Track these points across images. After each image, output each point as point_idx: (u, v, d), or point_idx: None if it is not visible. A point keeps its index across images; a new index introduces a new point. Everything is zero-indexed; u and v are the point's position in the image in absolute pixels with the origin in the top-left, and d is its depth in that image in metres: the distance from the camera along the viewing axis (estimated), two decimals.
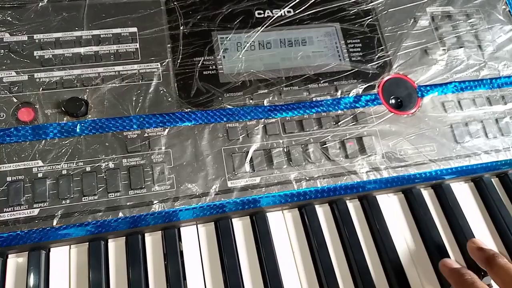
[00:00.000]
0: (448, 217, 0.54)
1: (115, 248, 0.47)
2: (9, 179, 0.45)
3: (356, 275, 0.49)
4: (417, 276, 0.50)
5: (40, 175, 0.46)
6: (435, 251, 0.51)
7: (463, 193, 0.57)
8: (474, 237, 0.52)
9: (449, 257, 0.51)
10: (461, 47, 0.61)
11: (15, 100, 0.48)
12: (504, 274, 0.43)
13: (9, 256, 0.45)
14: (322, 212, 0.53)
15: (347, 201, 0.54)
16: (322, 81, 0.55)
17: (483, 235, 0.54)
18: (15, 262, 0.45)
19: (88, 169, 0.47)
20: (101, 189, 0.46)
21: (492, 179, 0.58)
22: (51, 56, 0.50)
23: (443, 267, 0.48)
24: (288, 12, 0.58)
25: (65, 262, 0.46)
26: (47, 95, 0.49)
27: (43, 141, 0.47)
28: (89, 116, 0.49)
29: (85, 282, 0.45)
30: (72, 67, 0.50)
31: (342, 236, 0.51)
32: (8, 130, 0.47)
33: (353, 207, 0.54)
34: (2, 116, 0.47)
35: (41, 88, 0.49)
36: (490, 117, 0.58)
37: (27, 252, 0.45)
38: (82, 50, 0.51)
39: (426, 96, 0.58)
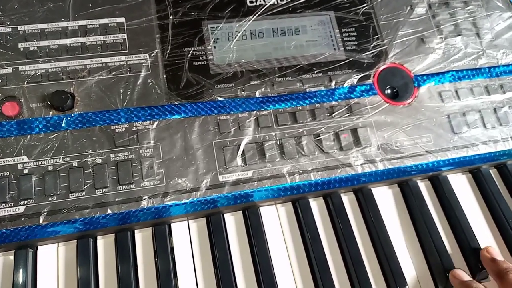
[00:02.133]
0: (445, 210, 0.53)
1: (104, 245, 0.46)
2: None
3: (351, 269, 0.48)
4: (413, 269, 0.49)
5: (25, 171, 0.45)
6: (432, 246, 0.50)
7: (461, 185, 0.56)
8: (472, 230, 0.51)
9: (447, 252, 0.50)
10: (459, 35, 0.60)
11: None
12: None
13: None
14: (316, 206, 0.51)
15: (342, 194, 0.52)
16: (315, 71, 0.54)
17: (481, 227, 0.53)
18: (1, 261, 0.44)
19: (75, 164, 0.45)
20: (88, 185, 0.45)
21: (490, 170, 0.57)
22: (36, 48, 0.49)
23: (453, 279, 0.47)
24: (281, 0, 0.56)
25: (53, 260, 0.45)
26: (32, 89, 0.47)
27: (28, 136, 0.46)
28: (76, 109, 0.47)
29: (74, 280, 0.44)
30: (58, 59, 0.49)
31: (336, 230, 0.50)
32: None
33: (348, 200, 0.53)
34: None
35: (26, 81, 0.47)
36: (488, 107, 0.57)
37: (14, 251, 0.44)
38: (68, 41, 0.50)
39: (423, 85, 0.56)
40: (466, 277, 0.47)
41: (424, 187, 0.55)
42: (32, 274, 0.44)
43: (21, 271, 0.43)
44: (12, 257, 0.44)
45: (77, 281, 0.43)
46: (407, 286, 0.47)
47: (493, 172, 0.57)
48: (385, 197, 0.53)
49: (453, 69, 0.58)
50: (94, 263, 0.45)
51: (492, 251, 0.49)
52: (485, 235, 0.53)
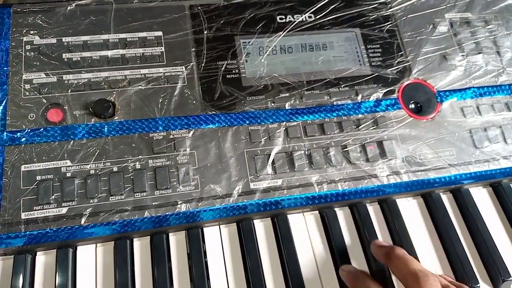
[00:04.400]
0: (467, 222, 0.55)
1: (140, 247, 0.48)
2: (38, 178, 0.46)
3: (376, 277, 0.49)
4: None
5: (68, 174, 0.47)
6: (455, 256, 0.51)
7: (482, 198, 0.57)
8: (494, 242, 0.53)
9: (468, 262, 0.51)
10: (480, 53, 0.62)
11: (44, 101, 0.49)
12: (400, 263, 0.43)
13: (38, 253, 0.47)
14: (343, 215, 0.53)
15: (367, 204, 0.54)
16: (342, 85, 0.56)
17: (502, 240, 0.54)
18: (43, 259, 0.46)
19: (115, 169, 0.48)
20: (127, 189, 0.47)
21: (510, 184, 0.58)
22: (79, 58, 0.52)
23: (341, 271, 0.48)
24: (309, 17, 0.59)
25: (91, 260, 0.47)
26: (76, 97, 0.50)
27: (72, 142, 0.48)
28: (116, 117, 0.50)
29: (111, 280, 0.46)
30: (100, 70, 0.52)
31: (362, 239, 0.52)
32: (38, 130, 0.48)
33: (373, 210, 0.54)
34: (32, 116, 0.48)
35: (70, 90, 0.50)
36: (508, 123, 0.59)
37: (55, 250, 0.46)
38: (109, 53, 0.53)
39: (445, 101, 0.58)
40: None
41: (446, 199, 0.56)
42: (72, 272, 0.46)
43: (62, 269, 0.45)
44: (53, 256, 0.46)
45: (115, 280, 0.45)
46: None
47: None
48: (409, 208, 0.55)
49: (475, 86, 0.60)
50: (131, 263, 0.47)
51: (378, 242, 0.49)
52: (506, 246, 0.54)
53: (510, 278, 0.50)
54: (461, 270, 0.50)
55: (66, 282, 0.44)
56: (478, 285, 0.49)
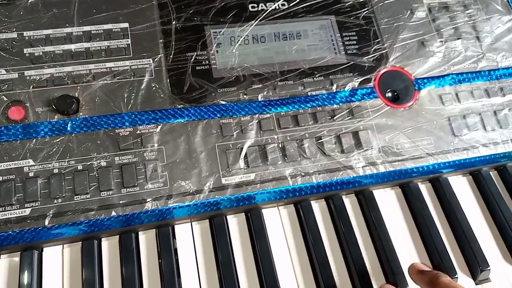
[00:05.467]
0: (446, 211, 0.54)
1: (109, 247, 0.47)
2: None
3: (353, 271, 0.48)
4: None
5: (31, 174, 0.45)
6: (434, 247, 0.50)
7: (461, 187, 0.56)
8: (472, 231, 0.52)
9: (446, 252, 0.50)
10: (459, 38, 0.60)
11: (5, 98, 0.47)
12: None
13: (1, 256, 0.45)
14: (318, 208, 0.52)
15: (343, 196, 0.53)
16: (317, 75, 0.54)
17: (481, 228, 0.53)
18: (7, 262, 0.45)
19: (80, 167, 0.46)
20: (93, 188, 0.46)
21: (490, 172, 0.57)
22: (41, 53, 0.50)
23: (413, 269, 0.47)
24: (282, 5, 0.57)
25: (58, 261, 0.46)
26: (38, 93, 0.48)
27: (34, 140, 0.46)
28: (80, 113, 0.48)
29: (79, 281, 0.44)
30: (63, 64, 0.50)
31: (338, 232, 0.51)
32: None
33: (350, 202, 0.53)
34: None
35: (32, 86, 0.48)
36: (488, 109, 0.58)
37: (19, 253, 0.45)
38: (72, 46, 0.51)
39: (423, 88, 0.57)
40: (425, 268, 0.47)
41: (425, 189, 0.55)
42: (37, 275, 0.44)
43: (26, 272, 0.43)
44: (17, 259, 0.44)
45: (82, 282, 0.44)
46: (408, 286, 0.47)
47: (493, 174, 0.58)
48: (387, 199, 0.53)
49: (453, 72, 0.58)
50: (98, 264, 0.45)
51: (418, 265, 0.48)
52: (485, 236, 0.53)
53: (488, 268, 0.49)
54: (439, 261, 0.49)
55: (31, 284, 0.43)
56: (456, 275, 0.48)
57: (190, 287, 0.46)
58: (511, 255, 0.52)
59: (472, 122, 0.56)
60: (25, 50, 0.50)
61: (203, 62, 0.52)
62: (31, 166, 0.46)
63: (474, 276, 0.50)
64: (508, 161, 0.57)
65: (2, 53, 0.49)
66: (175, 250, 0.47)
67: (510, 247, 0.52)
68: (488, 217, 0.55)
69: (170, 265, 0.45)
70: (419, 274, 0.47)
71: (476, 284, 0.50)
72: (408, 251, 0.51)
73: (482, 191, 0.56)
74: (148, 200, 0.46)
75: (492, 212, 0.55)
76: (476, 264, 0.49)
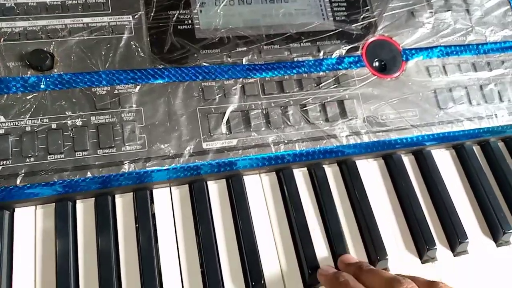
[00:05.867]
0: (428, 184, 0.54)
1: (84, 209, 0.45)
2: None
3: (332, 239, 0.48)
4: (394, 240, 0.49)
5: (1, 131, 0.43)
6: (414, 218, 0.50)
7: (444, 160, 0.56)
8: (453, 204, 0.52)
9: (426, 224, 0.50)
10: (449, 10, 0.59)
11: None
12: (370, 277, 0.41)
13: None
14: (301, 176, 0.51)
15: (326, 166, 0.52)
16: (304, 41, 0.53)
17: (462, 203, 0.54)
18: None
19: (53, 126, 0.44)
20: (67, 148, 0.44)
21: (473, 147, 0.57)
22: (13, 4, 0.47)
23: (320, 277, 0.45)
24: None
25: (30, 222, 0.44)
26: (9, 47, 0.45)
27: (5, 96, 0.44)
28: (55, 70, 0.46)
29: (52, 243, 0.43)
30: (37, 18, 0.47)
31: (319, 201, 0.50)
32: None
33: (332, 172, 0.52)
34: None
35: (2, 39, 0.45)
36: (474, 84, 0.57)
37: None
38: None
39: (411, 59, 0.56)
40: (331, 269, 0.45)
41: (408, 161, 0.55)
42: (8, 235, 0.43)
43: None
44: None
45: (55, 243, 0.42)
46: (387, 257, 0.47)
47: (476, 149, 0.58)
48: (369, 170, 0.53)
49: (442, 44, 0.57)
50: (72, 226, 0.44)
51: (346, 258, 0.46)
52: (465, 209, 0.53)
53: (467, 240, 0.50)
54: (419, 232, 0.49)
55: (1, 244, 0.41)
56: (435, 247, 0.49)
57: (168, 253, 0.45)
58: (489, 229, 0.53)
59: (458, 96, 0.56)
60: None
61: (186, 22, 0.50)
62: (1, 122, 0.43)
63: (452, 247, 0.50)
64: (491, 136, 0.57)
65: None
66: (153, 215, 0.46)
67: (489, 220, 0.53)
68: (469, 191, 0.55)
69: (148, 230, 0.44)
70: (347, 267, 0.45)
71: (454, 256, 0.50)
72: (389, 223, 0.50)
73: (464, 165, 0.56)
74: (125, 162, 0.45)
75: (473, 186, 0.55)
76: (455, 236, 0.50)
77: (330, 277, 0.43)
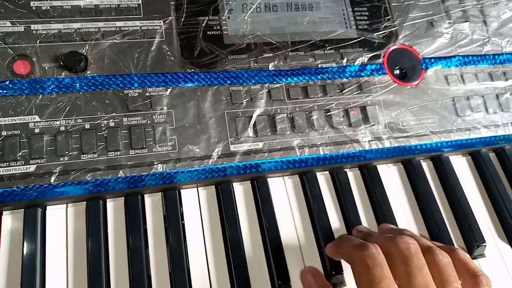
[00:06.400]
0: (446, 189, 0.55)
1: (114, 208, 0.46)
2: (4, 133, 0.43)
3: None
4: None
5: (37, 130, 0.44)
6: (433, 222, 0.51)
7: (461, 166, 0.57)
8: (470, 209, 0.53)
9: (445, 227, 0.51)
10: (467, 21, 0.61)
11: (10, 51, 0.46)
12: (377, 235, 0.44)
13: (4, 213, 0.44)
14: (323, 179, 0.52)
15: (347, 170, 0.53)
16: (328, 48, 0.54)
17: (479, 208, 0.55)
18: (11, 218, 0.44)
19: (87, 126, 0.45)
20: (100, 147, 0.45)
21: (489, 154, 0.59)
22: (49, 7, 0.48)
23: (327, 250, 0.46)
24: None
25: (62, 220, 0.45)
26: (45, 48, 0.47)
27: (40, 96, 0.45)
28: (89, 72, 0.47)
29: (83, 240, 0.44)
30: (71, 20, 0.48)
31: (341, 204, 0.51)
32: (3, 83, 0.45)
33: (353, 176, 0.54)
34: None
35: (38, 41, 0.47)
36: (491, 92, 0.58)
37: (23, 210, 0.44)
38: (81, 2, 0.49)
39: (430, 68, 0.57)
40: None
41: (426, 166, 0.56)
42: (41, 233, 0.44)
43: (30, 229, 0.43)
44: (21, 216, 0.44)
45: (87, 241, 0.43)
46: None
47: (491, 155, 0.59)
48: (389, 174, 0.54)
49: (460, 54, 0.59)
50: (103, 225, 0.45)
51: (359, 227, 0.49)
52: (481, 214, 0.54)
53: (484, 244, 0.51)
54: (438, 235, 0.50)
55: (35, 243, 0.42)
56: None
57: (196, 252, 0.46)
58: (505, 234, 0.54)
59: (475, 104, 0.57)
60: (31, 3, 0.48)
61: (215, 28, 0.52)
62: (36, 122, 0.44)
63: (470, 251, 0.51)
64: (507, 143, 0.59)
65: (7, 4, 0.47)
66: (181, 214, 0.47)
67: (505, 225, 0.54)
68: (485, 196, 0.56)
69: (177, 229, 0.45)
70: (357, 234, 0.47)
71: (472, 259, 0.51)
72: (408, 225, 0.52)
73: (480, 171, 0.57)
74: (156, 162, 0.46)
75: (489, 192, 0.56)
76: (473, 240, 0.51)
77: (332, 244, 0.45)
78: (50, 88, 0.46)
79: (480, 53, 0.60)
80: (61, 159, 0.44)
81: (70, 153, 0.44)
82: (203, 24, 0.51)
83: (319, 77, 0.53)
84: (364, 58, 0.55)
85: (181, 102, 0.48)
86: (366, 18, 0.57)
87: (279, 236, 0.47)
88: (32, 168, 0.43)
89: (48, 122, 0.45)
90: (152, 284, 0.44)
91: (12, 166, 0.43)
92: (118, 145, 0.45)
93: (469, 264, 0.39)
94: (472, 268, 0.38)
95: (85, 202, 0.46)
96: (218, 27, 0.52)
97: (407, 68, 0.56)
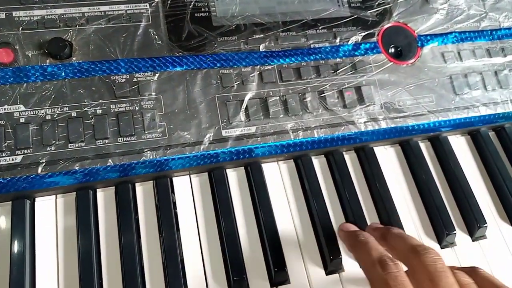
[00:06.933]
0: (445, 170, 0.54)
1: (104, 198, 0.45)
2: None
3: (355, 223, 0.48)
4: (413, 225, 0.50)
5: (22, 120, 0.43)
6: (433, 204, 0.50)
7: (460, 146, 0.56)
8: (471, 189, 0.52)
9: (445, 209, 0.50)
10: None
11: None
12: (397, 242, 0.40)
13: None
14: (318, 164, 0.51)
15: (343, 153, 0.52)
16: (320, 27, 0.53)
17: (479, 188, 0.54)
18: None
19: (74, 114, 0.44)
20: (88, 136, 0.44)
21: (488, 133, 0.57)
22: None
23: (340, 232, 0.45)
24: None
25: (51, 211, 0.44)
26: (28, 35, 0.45)
27: (25, 84, 0.44)
28: (74, 58, 0.46)
29: (73, 231, 0.43)
30: (54, 6, 0.47)
31: (338, 188, 0.50)
32: None
33: (349, 159, 0.52)
34: None
35: (21, 28, 0.45)
36: (489, 69, 0.57)
37: (11, 202, 0.43)
38: None
39: (426, 45, 0.56)
40: (352, 227, 0.45)
41: (424, 147, 0.55)
42: (30, 225, 0.43)
43: (19, 221, 0.42)
44: (8, 208, 0.43)
45: (77, 232, 0.42)
46: None
47: (491, 134, 0.58)
48: (387, 156, 0.53)
49: (456, 31, 0.57)
50: (94, 215, 0.44)
51: (372, 224, 0.46)
52: (482, 194, 0.53)
53: (485, 225, 0.50)
54: (438, 217, 0.49)
55: (24, 235, 0.41)
56: (454, 231, 0.49)
57: (190, 241, 0.45)
58: (507, 213, 0.53)
59: (473, 81, 0.56)
60: None
61: (203, 9, 0.50)
62: (21, 111, 0.43)
63: (471, 232, 0.50)
64: (506, 121, 0.57)
65: None
66: (174, 203, 0.46)
67: (506, 205, 0.53)
68: (486, 177, 0.55)
69: (169, 218, 0.44)
70: (373, 232, 0.44)
71: (473, 240, 0.50)
72: (407, 208, 0.50)
73: (480, 150, 0.56)
74: (145, 150, 0.44)
75: (489, 172, 0.55)
76: (474, 221, 0.50)
77: (349, 234, 0.43)
78: (34, 76, 0.44)
79: (477, 29, 0.58)
80: (48, 148, 0.43)
81: (57, 143, 0.43)
82: (191, 6, 0.50)
83: (311, 57, 0.51)
84: (358, 37, 0.53)
85: (170, 87, 0.47)
86: None
87: (274, 222, 0.46)
88: (18, 158, 0.42)
89: (34, 111, 0.43)
90: (145, 275, 0.43)
91: None
92: (106, 133, 0.44)
93: (495, 281, 0.37)
94: (499, 285, 0.36)
95: (75, 193, 0.45)
96: (206, 8, 0.50)
97: (402, 46, 0.55)
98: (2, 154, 0.42)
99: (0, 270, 0.40)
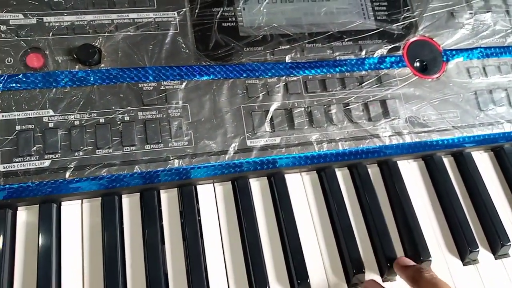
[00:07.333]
0: (469, 186, 0.53)
1: (130, 204, 0.45)
2: (18, 128, 0.43)
3: (375, 238, 0.47)
4: (435, 242, 0.49)
5: (51, 125, 0.43)
6: (455, 220, 0.50)
7: (483, 162, 0.55)
8: (494, 206, 0.51)
9: (468, 226, 0.50)
10: (488, 11, 0.59)
11: (23, 44, 0.45)
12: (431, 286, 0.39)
13: (19, 208, 0.43)
14: (341, 176, 0.51)
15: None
16: (346, 39, 0.53)
17: (502, 205, 0.53)
18: (25, 215, 0.43)
19: (102, 120, 0.44)
20: (115, 142, 0.44)
21: None
22: None
23: (396, 265, 0.45)
24: None
25: (77, 216, 0.44)
26: (58, 41, 0.46)
27: (54, 89, 0.44)
28: (102, 65, 0.46)
29: (98, 237, 0.43)
30: (84, 12, 0.47)
31: (361, 200, 0.50)
32: (16, 76, 0.44)
33: (372, 173, 0.52)
34: (9, 61, 0.44)
35: (51, 33, 0.46)
36: None
37: (38, 205, 0.43)
38: None
39: (451, 60, 0.55)
40: (410, 262, 0.45)
41: (447, 162, 0.54)
42: (56, 229, 0.43)
43: (45, 225, 0.42)
44: (35, 212, 0.43)
45: (103, 236, 0.43)
46: (430, 258, 0.47)
47: None
48: (410, 171, 0.53)
49: (482, 46, 0.57)
50: (119, 220, 0.44)
51: (403, 260, 0.45)
52: (506, 211, 0.53)
53: (509, 243, 0.49)
54: (461, 234, 0.49)
55: (51, 238, 0.42)
56: (478, 249, 0.48)
57: (213, 248, 0.45)
58: None
59: (498, 97, 0.55)
60: None
61: (230, 19, 0.50)
62: (50, 116, 0.44)
63: (494, 250, 0.50)
64: None
65: None
66: (198, 210, 0.46)
67: None
68: (509, 194, 0.54)
69: (194, 225, 0.44)
70: (403, 269, 0.44)
71: (496, 259, 0.50)
72: (430, 223, 0.50)
73: (503, 167, 0.56)
74: (172, 157, 0.45)
75: None
76: (497, 239, 0.49)
77: (412, 270, 0.42)
78: (63, 82, 0.45)
79: (503, 45, 0.58)
80: (76, 154, 0.43)
81: (85, 148, 0.43)
82: (218, 16, 0.50)
83: (337, 69, 0.51)
84: (383, 50, 0.53)
85: (197, 96, 0.47)
86: (384, 8, 0.55)
87: (297, 234, 0.46)
88: (46, 163, 0.42)
89: (62, 116, 0.44)
90: (168, 281, 0.43)
91: (27, 161, 0.42)
92: (133, 140, 0.44)
93: None
94: None
95: (100, 198, 0.45)
96: (233, 18, 0.50)
97: (428, 60, 0.55)
98: (31, 158, 0.42)
99: (28, 271, 0.40)
